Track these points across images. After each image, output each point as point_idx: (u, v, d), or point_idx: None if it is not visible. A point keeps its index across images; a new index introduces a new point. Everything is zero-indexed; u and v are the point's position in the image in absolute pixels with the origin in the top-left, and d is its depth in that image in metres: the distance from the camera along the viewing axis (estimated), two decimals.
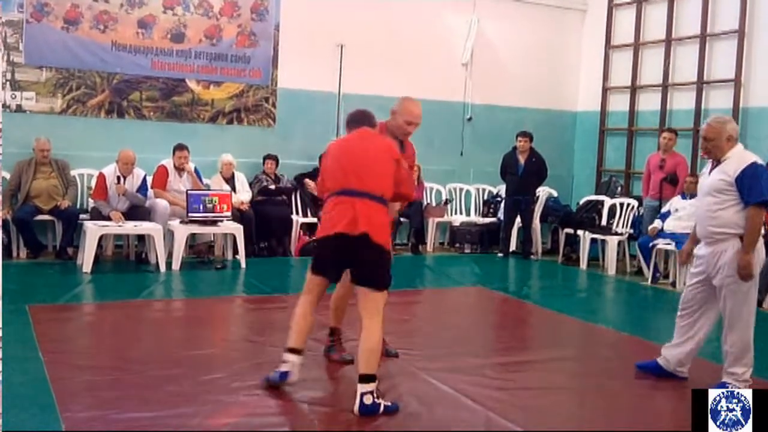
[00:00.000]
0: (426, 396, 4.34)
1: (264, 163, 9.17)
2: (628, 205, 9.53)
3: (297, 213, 9.37)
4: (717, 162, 4.54)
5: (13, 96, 8.32)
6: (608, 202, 9.80)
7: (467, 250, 10.04)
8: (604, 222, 9.64)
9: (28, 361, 4.58)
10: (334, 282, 4.45)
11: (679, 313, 4.82)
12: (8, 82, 8.29)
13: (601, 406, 4.50)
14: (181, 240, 7.91)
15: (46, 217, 8.08)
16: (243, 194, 8.86)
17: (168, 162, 8.47)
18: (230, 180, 8.87)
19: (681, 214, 8.17)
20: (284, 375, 4.22)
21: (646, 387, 4.74)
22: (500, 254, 9.82)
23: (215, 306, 6.72)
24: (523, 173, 9.66)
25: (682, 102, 9.75)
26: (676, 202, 8.35)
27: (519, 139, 9.72)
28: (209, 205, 8.12)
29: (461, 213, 10.54)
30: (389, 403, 4.02)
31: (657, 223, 8.37)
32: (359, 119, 4.36)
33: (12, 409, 3.65)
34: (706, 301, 4.65)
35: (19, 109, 8.36)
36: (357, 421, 3.93)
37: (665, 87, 9.92)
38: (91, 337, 5.65)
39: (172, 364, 4.73)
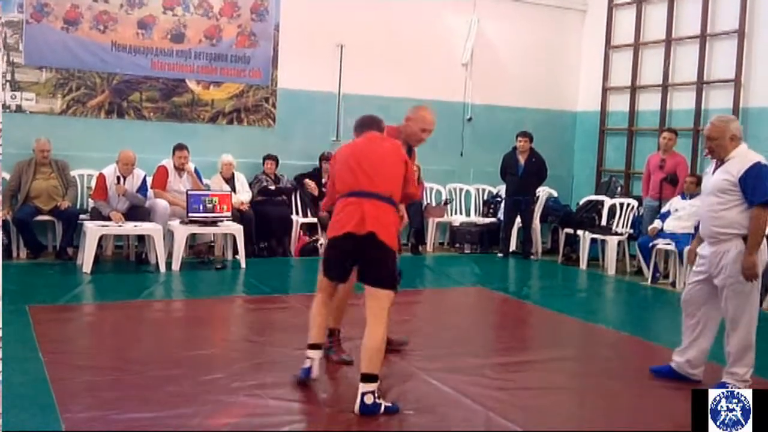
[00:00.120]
0: (426, 396, 4.35)
1: (264, 163, 9.17)
2: (628, 205, 9.53)
3: (297, 213, 9.37)
4: (721, 161, 4.52)
5: (13, 96, 8.33)
6: (608, 202, 9.81)
7: (467, 250, 10.04)
8: (604, 222, 9.64)
9: (28, 361, 4.58)
10: (342, 282, 4.46)
11: (683, 314, 4.80)
12: (8, 83, 8.29)
13: (601, 406, 4.50)
14: (181, 240, 7.91)
15: (46, 217, 8.08)
16: (243, 194, 8.86)
17: (168, 162, 8.48)
18: (230, 180, 8.87)
19: (681, 214, 8.18)
20: (307, 371, 4.34)
21: (646, 387, 4.74)
22: (500, 254, 9.82)
23: (215, 306, 6.72)
24: (523, 173, 9.66)
25: (682, 102, 9.75)
26: (675, 202, 8.35)
27: (519, 139, 9.72)
28: (209, 206, 8.12)
29: (461, 213, 10.54)
30: (390, 404, 4.03)
31: (657, 223, 8.37)
32: (367, 123, 4.43)
33: (12, 409, 3.65)
34: (708, 301, 4.64)
35: (19, 109, 8.36)
36: (357, 421, 3.93)
37: (665, 87, 9.92)
38: (91, 337, 5.65)
39: (172, 364, 4.73)
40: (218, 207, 8.16)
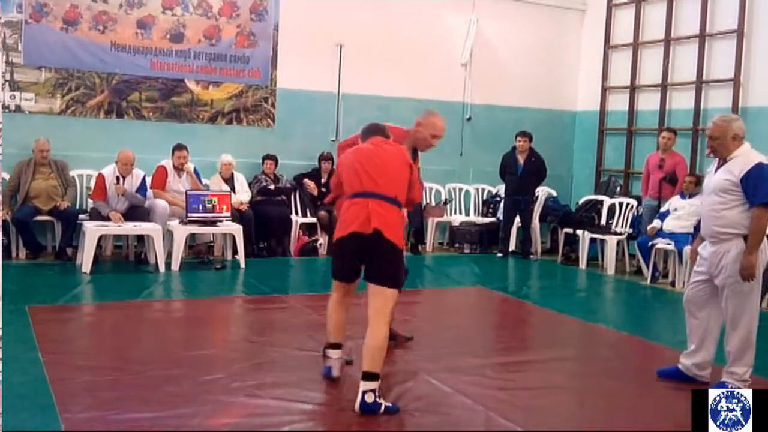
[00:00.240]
0: (426, 396, 4.34)
1: (263, 163, 9.17)
2: (628, 204, 9.54)
3: (296, 213, 9.37)
4: (723, 161, 4.51)
5: (12, 96, 8.32)
6: (607, 201, 9.81)
7: (467, 250, 10.04)
8: (603, 222, 9.64)
9: (27, 361, 4.58)
10: (351, 282, 4.47)
11: (687, 315, 4.79)
12: (7, 83, 8.28)
13: (601, 406, 4.50)
14: (181, 240, 7.91)
15: (46, 217, 8.08)
16: (242, 194, 8.86)
17: (167, 162, 8.47)
18: (229, 180, 8.87)
19: (680, 214, 8.18)
20: (328, 370, 4.49)
21: (646, 387, 4.74)
22: (500, 254, 9.82)
23: (215, 306, 6.71)
24: (522, 173, 9.66)
25: (682, 102, 9.75)
26: (675, 202, 8.35)
27: (518, 138, 9.72)
28: (208, 206, 8.12)
29: (461, 213, 10.54)
30: (390, 404, 4.03)
31: (656, 223, 8.37)
32: (373, 130, 4.53)
33: (12, 409, 3.64)
34: (709, 301, 4.63)
35: (18, 109, 8.36)
36: (357, 421, 3.93)
37: (664, 87, 9.92)
38: (91, 337, 5.65)
39: (172, 364, 4.73)
40: (218, 207, 8.16)
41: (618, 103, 10.71)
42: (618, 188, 10.42)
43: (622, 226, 9.46)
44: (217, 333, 5.97)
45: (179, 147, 8.42)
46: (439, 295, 7.76)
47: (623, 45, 10.61)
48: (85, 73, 8.64)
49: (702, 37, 9.40)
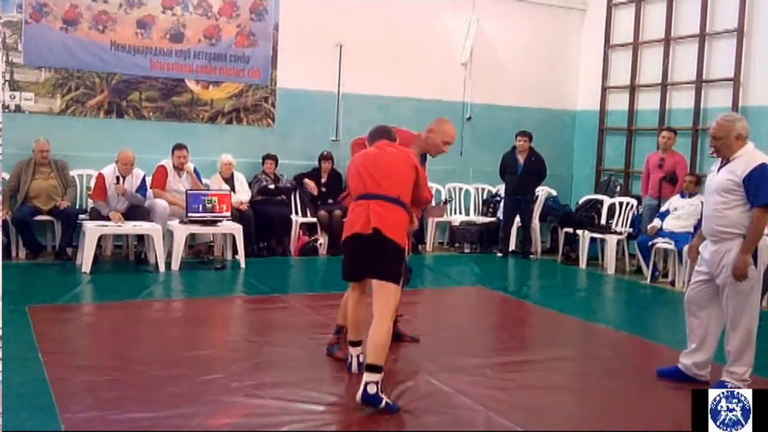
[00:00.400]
0: (426, 396, 4.35)
1: (263, 163, 9.17)
2: (628, 204, 9.54)
3: (296, 213, 9.37)
4: (726, 160, 4.51)
5: (12, 96, 8.32)
6: (607, 201, 9.81)
7: (467, 250, 10.04)
8: (603, 221, 9.64)
9: (27, 361, 4.58)
10: (357, 281, 4.56)
11: (687, 314, 4.79)
12: (7, 83, 8.28)
13: (601, 406, 4.50)
14: (181, 240, 7.91)
15: (46, 217, 8.08)
16: (242, 194, 8.86)
17: (167, 162, 8.47)
18: (229, 180, 8.87)
19: (680, 213, 8.19)
20: (348, 366, 4.64)
21: (646, 386, 4.73)
22: (500, 254, 9.82)
23: (215, 306, 6.71)
24: (522, 173, 9.66)
25: (682, 101, 9.75)
26: (675, 201, 8.35)
27: (518, 138, 9.72)
28: (209, 205, 8.12)
29: (461, 213, 10.54)
30: (390, 402, 4.05)
31: (656, 222, 8.38)
32: (379, 133, 4.64)
33: (12, 409, 3.64)
34: (711, 301, 4.63)
35: (18, 109, 8.35)
36: (357, 421, 3.94)
37: (664, 86, 9.92)
38: (91, 337, 5.65)
39: (172, 364, 4.73)
40: (218, 207, 8.16)
41: (618, 103, 10.71)
42: (618, 188, 10.42)
43: (622, 226, 9.46)
44: (217, 333, 5.97)
45: (179, 147, 8.42)
46: (439, 294, 7.76)
47: (623, 44, 10.61)
48: (85, 73, 8.64)
49: (702, 36, 9.40)
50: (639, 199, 9.31)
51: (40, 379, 4.30)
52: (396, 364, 4.87)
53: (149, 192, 8.29)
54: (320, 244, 9.25)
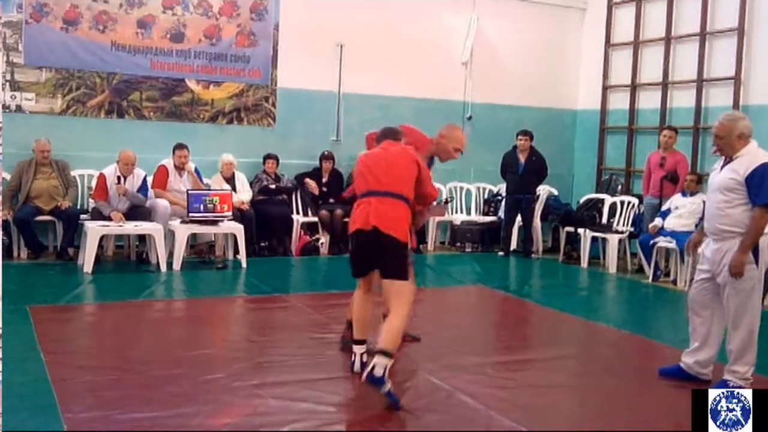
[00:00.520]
0: (427, 395, 4.35)
1: (264, 162, 9.17)
2: (629, 203, 9.53)
3: (297, 212, 9.37)
4: (729, 159, 4.50)
5: (13, 97, 8.33)
6: (609, 200, 9.80)
7: (468, 249, 10.04)
8: (604, 220, 9.64)
9: (29, 361, 4.58)
10: (362, 276, 4.61)
11: (690, 313, 4.78)
12: (8, 83, 8.29)
13: (602, 405, 4.50)
14: (182, 240, 7.91)
15: (47, 217, 8.08)
16: (243, 194, 8.86)
17: (168, 162, 8.48)
18: (230, 180, 8.87)
19: (681, 212, 8.18)
20: (351, 365, 4.65)
21: (646, 386, 4.73)
22: (501, 253, 9.82)
23: (216, 306, 6.72)
24: (523, 172, 9.66)
25: (682, 100, 9.74)
26: (676, 200, 8.35)
27: (519, 137, 9.72)
28: (210, 205, 8.13)
29: (462, 212, 10.53)
30: (393, 392, 4.07)
31: (657, 221, 8.37)
32: (385, 134, 4.76)
33: (13, 409, 3.65)
34: (713, 300, 4.62)
35: (18, 109, 8.36)
36: (358, 420, 3.94)
37: (665, 85, 9.91)
38: (92, 337, 5.66)
39: (173, 364, 4.73)
40: (219, 206, 8.16)
41: (619, 102, 10.70)
42: (619, 187, 10.41)
43: (623, 225, 9.45)
44: (218, 332, 5.97)
45: (180, 146, 8.42)
46: (440, 294, 7.75)
47: (624, 43, 10.60)
48: (85, 73, 8.64)
49: (702, 35, 9.39)
50: (640, 198, 9.31)
51: (40, 379, 4.30)
52: (397, 363, 4.86)
53: (150, 192, 8.29)
54: (321, 244, 9.25)
